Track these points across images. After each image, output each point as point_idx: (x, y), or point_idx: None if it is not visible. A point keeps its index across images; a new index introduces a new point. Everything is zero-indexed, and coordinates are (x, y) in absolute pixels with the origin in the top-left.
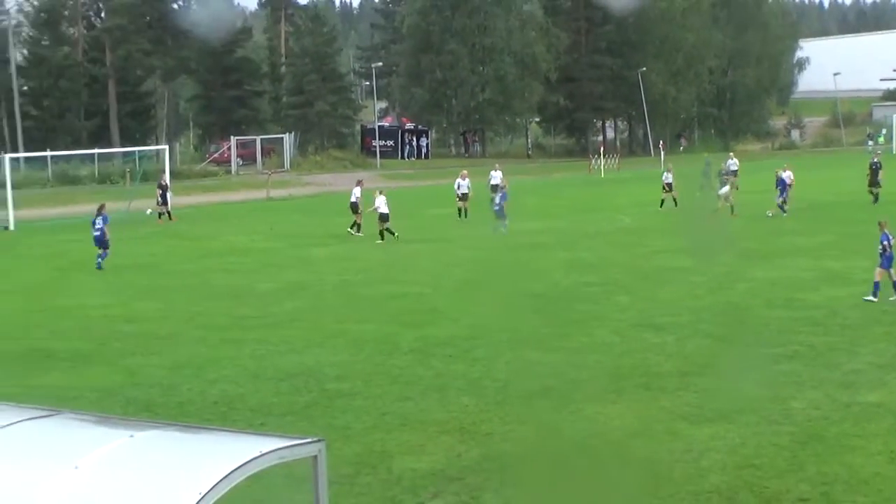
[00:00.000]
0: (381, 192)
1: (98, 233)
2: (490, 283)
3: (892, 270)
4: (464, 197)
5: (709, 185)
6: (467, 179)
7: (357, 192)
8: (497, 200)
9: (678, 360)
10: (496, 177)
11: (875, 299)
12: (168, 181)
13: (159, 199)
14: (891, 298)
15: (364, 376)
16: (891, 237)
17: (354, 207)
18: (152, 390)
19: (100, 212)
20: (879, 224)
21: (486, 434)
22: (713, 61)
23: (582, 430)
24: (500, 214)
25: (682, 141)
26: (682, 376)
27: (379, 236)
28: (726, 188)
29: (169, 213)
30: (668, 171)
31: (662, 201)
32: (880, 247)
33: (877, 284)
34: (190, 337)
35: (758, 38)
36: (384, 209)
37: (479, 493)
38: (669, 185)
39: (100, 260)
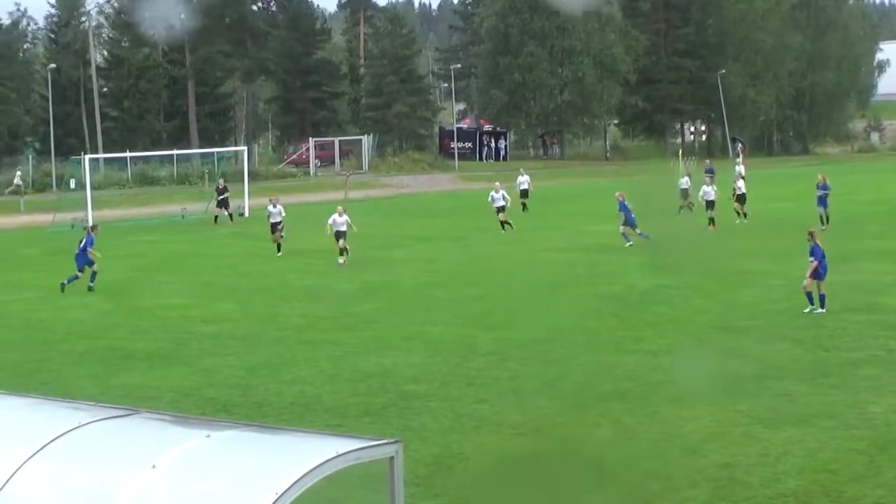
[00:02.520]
0: (341, 212)
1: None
2: (566, 286)
3: (821, 282)
4: (501, 209)
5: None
6: (502, 191)
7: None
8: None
9: (756, 363)
10: (524, 181)
11: (823, 310)
12: (225, 184)
13: (216, 201)
14: (805, 310)
15: (440, 378)
16: (819, 249)
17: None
18: (229, 391)
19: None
20: (810, 234)
21: (562, 437)
22: (792, 63)
23: (658, 434)
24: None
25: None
26: (760, 380)
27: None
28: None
29: (216, 217)
30: (687, 175)
31: (683, 207)
32: (813, 259)
33: (810, 296)
34: (267, 338)
35: (837, 41)
36: (342, 227)
37: None
38: (685, 191)
39: (71, 279)
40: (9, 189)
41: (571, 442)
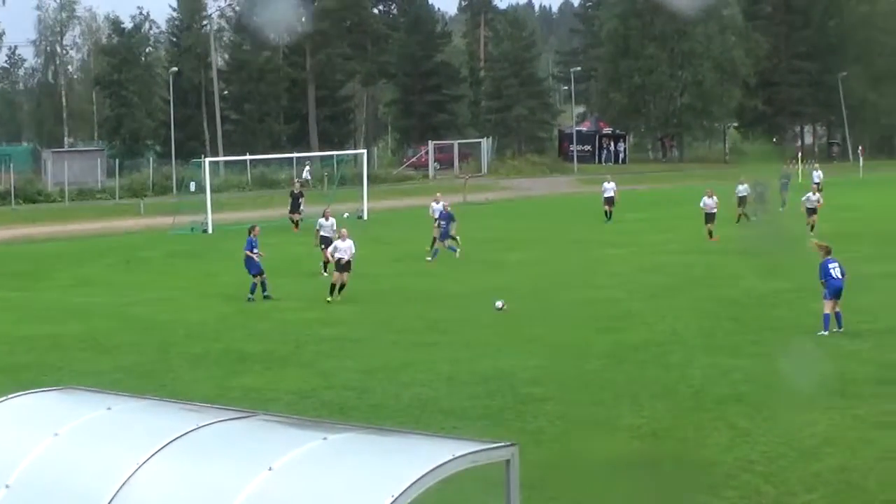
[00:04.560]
0: (343, 236)
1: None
2: (684, 288)
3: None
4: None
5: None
6: (442, 202)
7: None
8: (444, 224)
9: (875, 367)
10: (609, 189)
11: (825, 332)
12: (300, 189)
13: (290, 206)
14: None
15: (557, 381)
16: (833, 266)
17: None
18: (346, 393)
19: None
20: (824, 249)
21: (679, 440)
22: None
23: (774, 437)
24: (445, 237)
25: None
26: (879, 384)
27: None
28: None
29: (297, 222)
30: (742, 182)
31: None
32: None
33: (826, 317)
34: (384, 340)
35: None
36: (343, 255)
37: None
38: (742, 198)
39: (252, 289)
40: (298, 181)
41: (687, 445)
